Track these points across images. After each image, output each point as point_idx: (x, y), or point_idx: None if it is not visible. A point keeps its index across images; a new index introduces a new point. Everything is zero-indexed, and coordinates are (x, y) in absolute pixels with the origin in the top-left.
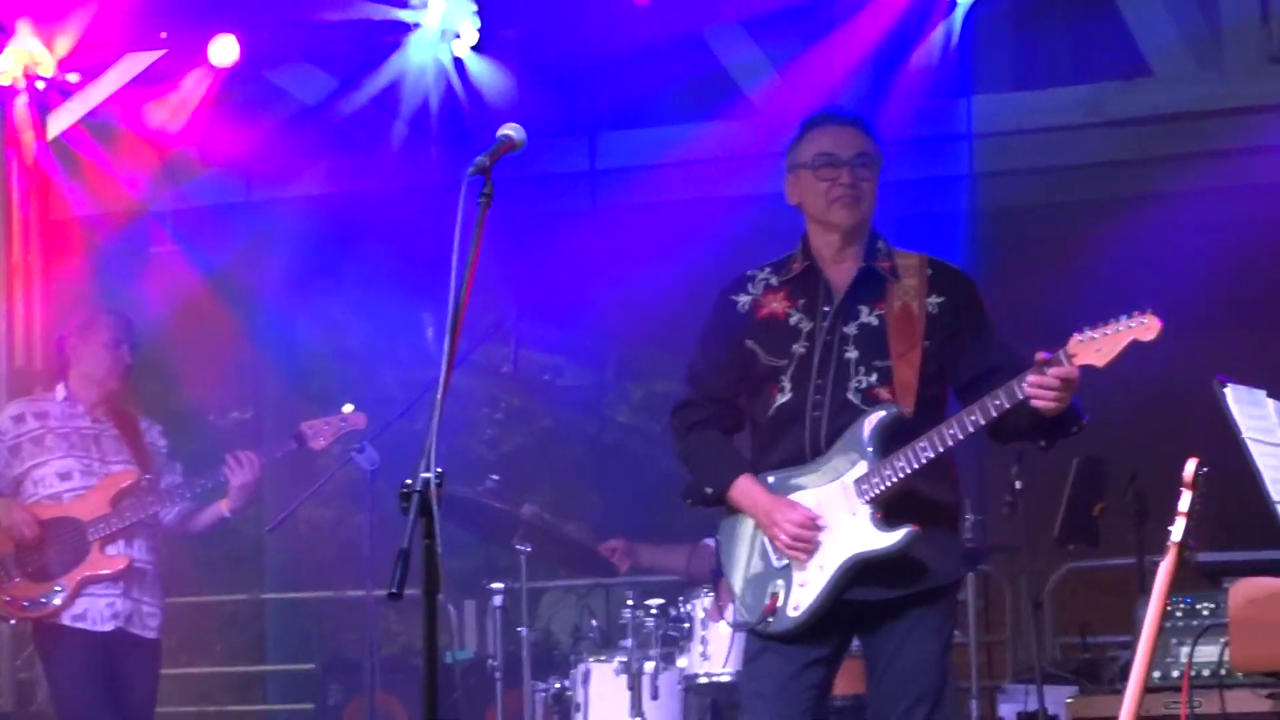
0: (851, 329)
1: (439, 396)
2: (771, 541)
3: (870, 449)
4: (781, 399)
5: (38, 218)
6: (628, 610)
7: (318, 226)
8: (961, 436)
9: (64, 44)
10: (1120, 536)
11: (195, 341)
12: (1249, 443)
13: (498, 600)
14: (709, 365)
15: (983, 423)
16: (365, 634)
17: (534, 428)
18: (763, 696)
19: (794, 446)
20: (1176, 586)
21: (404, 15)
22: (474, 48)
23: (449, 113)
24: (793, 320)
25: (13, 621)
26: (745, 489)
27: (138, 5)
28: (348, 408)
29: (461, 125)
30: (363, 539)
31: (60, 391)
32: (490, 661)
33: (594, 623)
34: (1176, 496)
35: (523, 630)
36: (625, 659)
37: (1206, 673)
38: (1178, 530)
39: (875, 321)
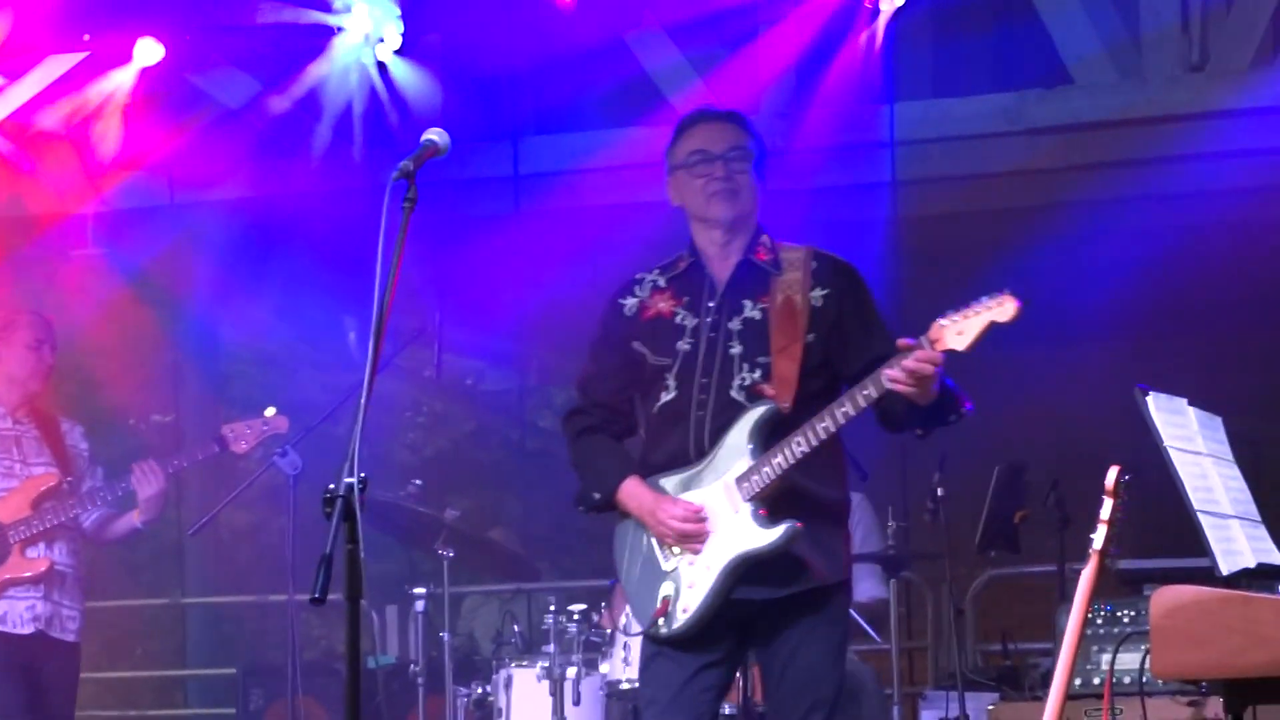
0: (736, 324)
1: (362, 401)
2: (659, 541)
3: (750, 446)
4: (666, 397)
5: None
6: (550, 616)
7: (240, 230)
8: (834, 428)
9: None
10: (1041, 544)
11: (117, 344)
12: (1170, 451)
13: (420, 605)
14: (597, 371)
15: (853, 413)
16: (286, 638)
17: (456, 432)
18: (658, 703)
19: (679, 445)
20: (1098, 594)
21: (328, 19)
22: (397, 52)
23: (372, 117)
24: (678, 318)
25: None
26: (630, 491)
27: (61, 7)
28: (270, 411)
29: (385, 129)
30: (284, 543)
31: None
32: (412, 667)
33: (516, 628)
34: (1098, 504)
35: (445, 635)
36: (547, 664)
37: (1128, 680)
38: (1099, 538)
39: (758, 315)
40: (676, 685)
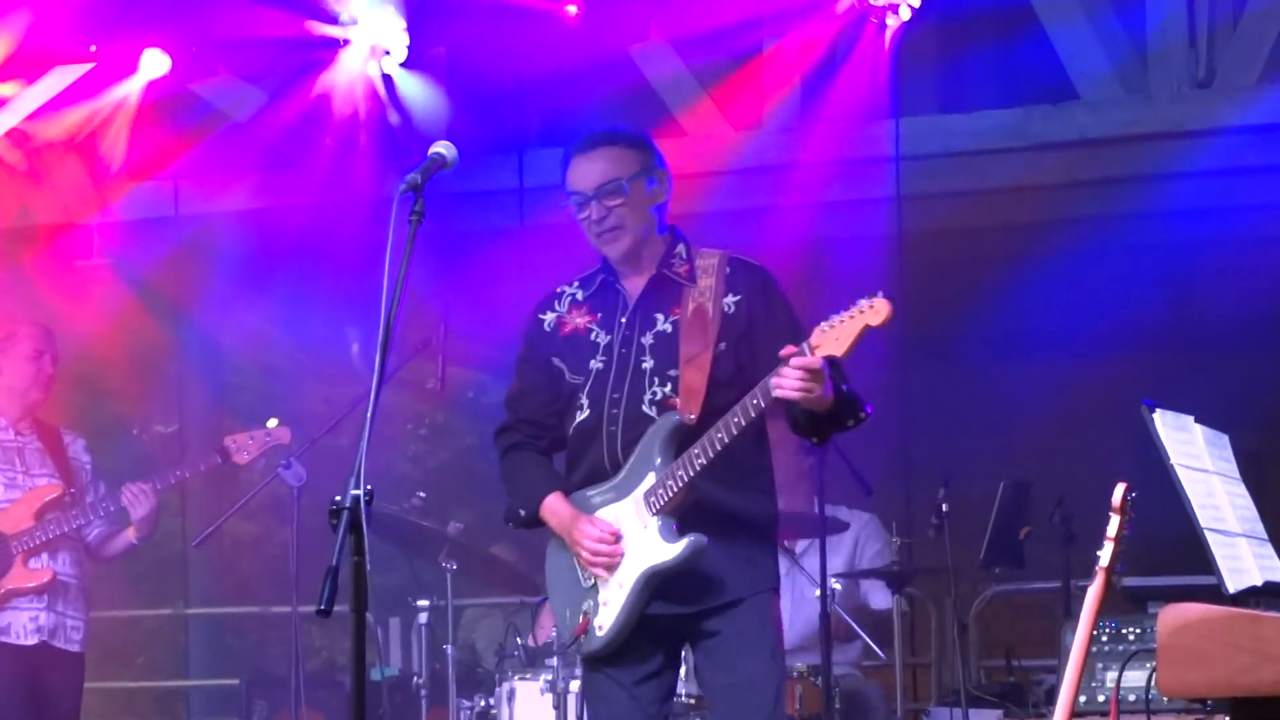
0: (648, 339)
1: (369, 413)
2: (578, 559)
3: (658, 460)
4: (580, 417)
5: None
6: (553, 629)
7: (245, 241)
8: (729, 439)
9: None
10: (1046, 560)
11: (121, 355)
12: (1177, 469)
13: (423, 617)
14: (522, 388)
15: (744, 423)
16: (289, 649)
17: (459, 445)
18: (598, 715)
19: (594, 463)
20: (1103, 611)
21: (334, 31)
22: (403, 64)
23: (378, 129)
24: (592, 335)
25: None
26: (551, 508)
27: (67, 18)
28: (272, 422)
29: (390, 142)
30: (287, 555)
31: None
32: (415, 679)
33: (519, 640)
34: (1104, 521)
35: (448, 648)
36: (550, 678)
37: (1133, 698)
38: (1106, 555)
39: (669, 329)
40: (614, 703)
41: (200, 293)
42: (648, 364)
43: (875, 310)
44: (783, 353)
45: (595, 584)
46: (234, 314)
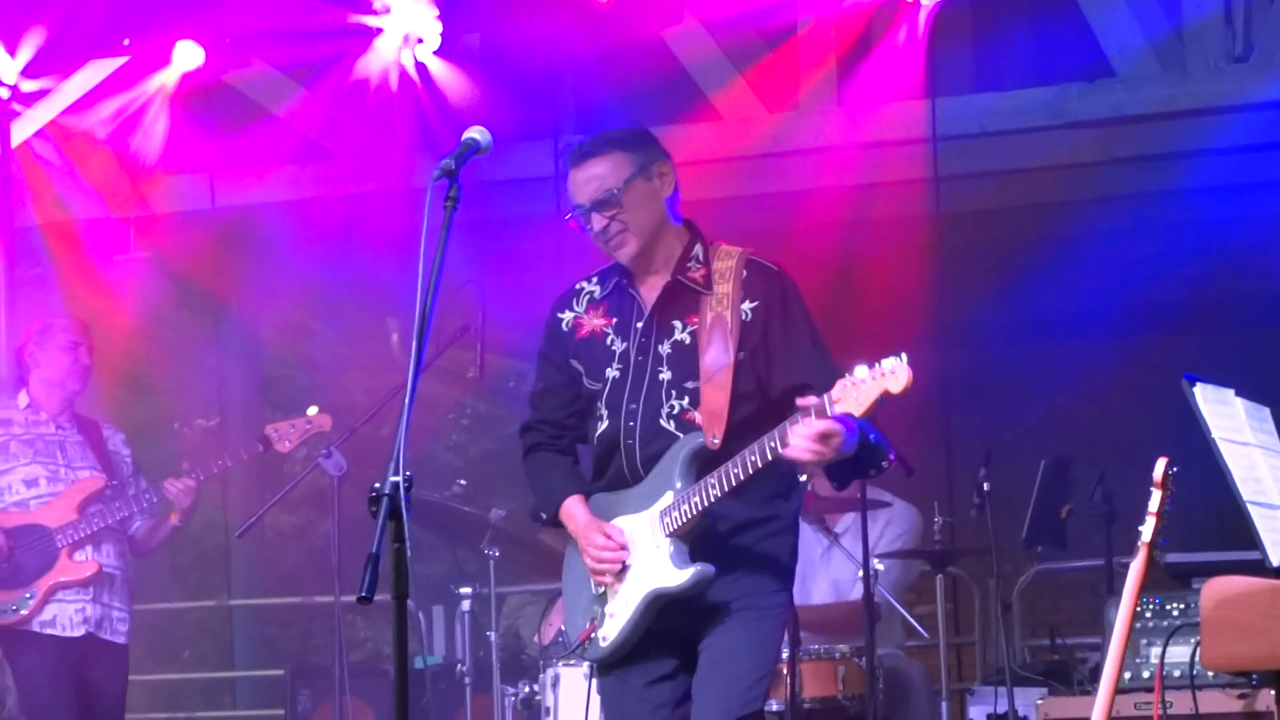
0: (665, 348)
1: (407, 401)
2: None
3: (678, 482)
4: (600, 426)
5: (2, 226)
6: (562, 628)
7: (283, 232)
8: (744, 477)
9: (26, 51)
10: (1088, 538)
11: (161, 349)
12: (1218, 442)
13: (466, 605)
14: (542, 387)
15: (760, 465)
16: (332, 640)
17: (500, 433)
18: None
19: (616, 471)
20: (1146, 587)
21: (367, 20)
22: (436, 52)
23: (412, 117)
24: (609, 341)
25: None
26: (569, 512)
27: (101, 12)
28: (313, 410)
29: (425, 130)
30: (328, 545)
31: (23, 398)
32: (459, 666)
33: (563, 627)
34: (1146, 497)
35: (492, 635)
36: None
37: (1177, 673)
38: (1148, 530)
39: (687, 339)
40: (625, 706)
41: (239, 285)
42: (665, 375)
43: (896, 377)
44: (800, 403)
45: (605, 593)
46: (273, 306)
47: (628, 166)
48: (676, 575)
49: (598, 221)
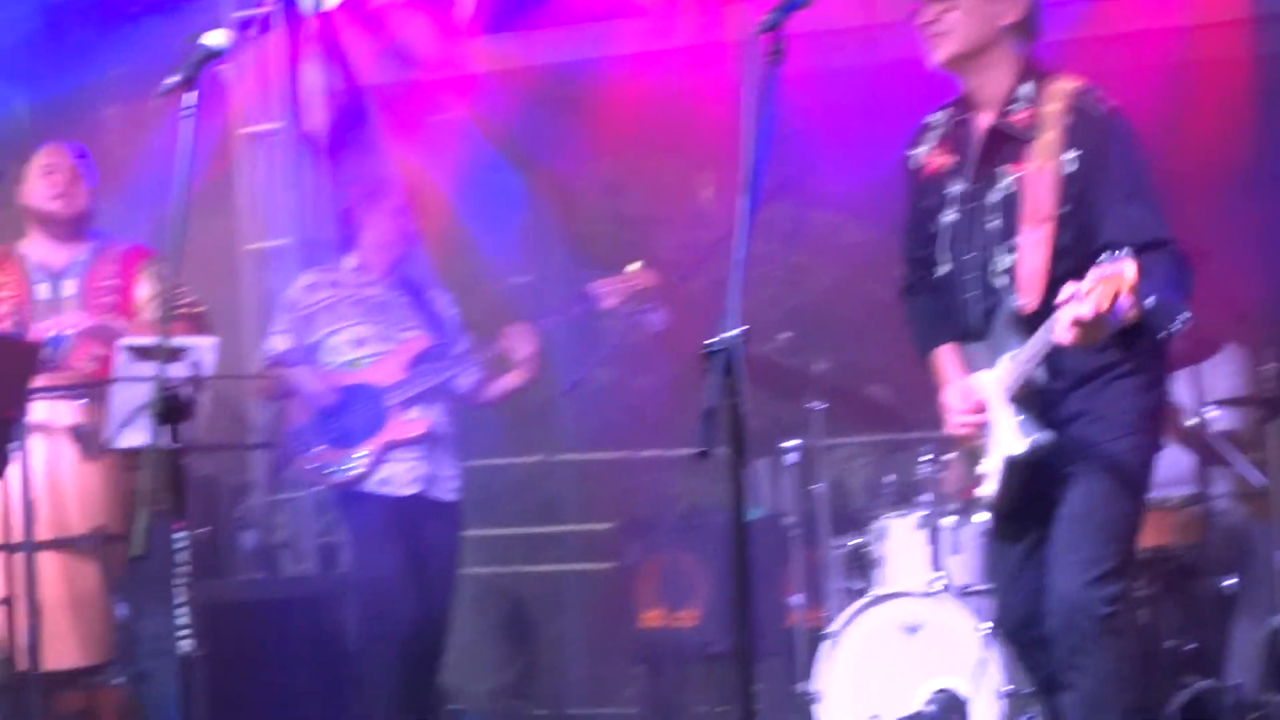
0: (994, 195)
1: (739, 254)
2: None
3: (1008, 346)
4: (942, 270)
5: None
6: (923, 465)
7: (597, 91)
8: (1040, 359)
9: None
10: None
11: (478, 207)
12: None
13: (791, 458)
14: (906, 226)
15: (1045, 354)
16: (652, 495)
17: (815, 287)
18: (996, 584)
19: (962, 320)
20: None
21: None
22: None
23: None
24: (947, 184)
25: (317, 488)
26: (938, 366)
27: None
28: (634, 266)
29: None
30: (644, 401)
31: (351, 260)
32: (785, 519)
33: (892, 477)
34: None
35: (820, 486)
36: (925, 513)
37: None
38: None
39: (1013, 189)
40: (1009, 569)
41: (554, 144)
42: (994, 223)
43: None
44: (1060, 299)
45: (977, 450)
46: (585, 163)
47: None
48: (1018, 444)
49: (931, 10)
